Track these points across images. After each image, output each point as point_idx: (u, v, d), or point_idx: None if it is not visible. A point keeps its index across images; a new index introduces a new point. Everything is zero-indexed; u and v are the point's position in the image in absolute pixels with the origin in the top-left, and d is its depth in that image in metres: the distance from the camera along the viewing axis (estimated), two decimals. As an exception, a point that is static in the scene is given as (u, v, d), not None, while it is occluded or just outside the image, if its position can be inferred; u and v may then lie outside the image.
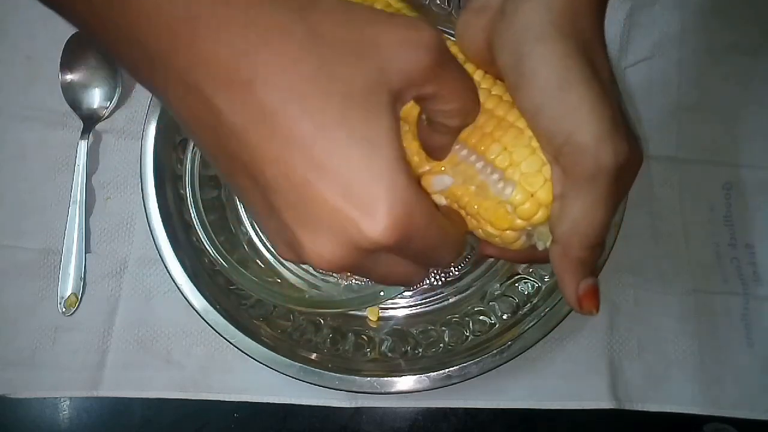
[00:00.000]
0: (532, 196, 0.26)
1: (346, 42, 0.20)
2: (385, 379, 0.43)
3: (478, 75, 0.28)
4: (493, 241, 0.29)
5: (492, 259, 0.50)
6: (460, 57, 0.29)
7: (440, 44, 0.22)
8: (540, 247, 0.28)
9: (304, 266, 0.50)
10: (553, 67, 0.24)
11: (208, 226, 0.46)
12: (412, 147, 0.28)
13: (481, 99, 0.27)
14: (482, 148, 0.27)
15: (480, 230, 0.29)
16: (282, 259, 0.24)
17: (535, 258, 0.30)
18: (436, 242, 0.23)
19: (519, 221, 0.27)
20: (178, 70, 0.20)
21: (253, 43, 0.19)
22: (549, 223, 0.27)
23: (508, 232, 0.28)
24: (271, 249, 0.51)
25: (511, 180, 0.27)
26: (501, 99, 0.28)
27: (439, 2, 0.50)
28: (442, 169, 0.28)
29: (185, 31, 0.19)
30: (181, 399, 0.49)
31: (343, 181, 0.20)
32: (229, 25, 0.19)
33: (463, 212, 0.29)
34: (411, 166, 0.27)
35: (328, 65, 0.20)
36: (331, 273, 0.25)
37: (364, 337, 0.48)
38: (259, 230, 0.25)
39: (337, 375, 0.44)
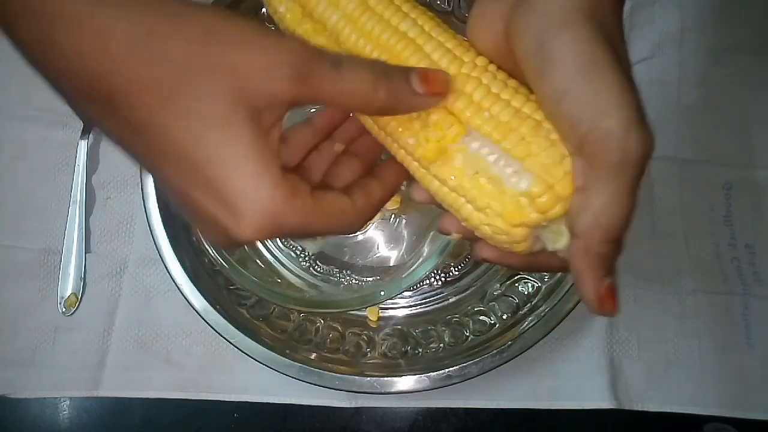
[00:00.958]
0: (550, 188, 0.25)
1: (202, 65, 0.23)
2: (385, 379, 0.43)
3: (491, 68, 0.27)
4: (498, 240, 0.27)
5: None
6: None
7: (301, 65, 0.23)
8: (549, 247, 0.27)
9: (303, 266, 0.50)
10: (579, 51, 0.24)
11: (208, 226, 0.45)
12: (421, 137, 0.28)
13: (496, 89, 0.26)
14: (497, 137, 0.26)
15: (486, 226, 0.27)
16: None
17: (534, 265, 0.29)
18: (318, 229, 0.27)
19: (534, 215, 0.26)
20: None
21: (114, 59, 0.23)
22: (568, 217, 0.26)
23: (518, 229, 0.26)
24: (271, 249, 0.51)
25: (529, 171, 0.25)
26: (516, 90, 0.27)
27: (439, 2, 0.50)
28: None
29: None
30: (181, 399, 0.49)
31: (214, 194, 0.24)
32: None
33: (469, 207, 0.27)
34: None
35: (187, 85, 0.23)
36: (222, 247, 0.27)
37: (364, 337, 0.48)
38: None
39: (337, 375, 0.44)
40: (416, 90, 0.25)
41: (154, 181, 0.28)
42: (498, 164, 0.26)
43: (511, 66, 0.27)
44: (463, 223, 0.29)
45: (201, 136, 0.23)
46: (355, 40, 0.28)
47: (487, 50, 0.28)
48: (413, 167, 0.29)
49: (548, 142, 0.25)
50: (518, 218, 0.26)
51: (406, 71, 0.26)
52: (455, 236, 0.30)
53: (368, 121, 0.30)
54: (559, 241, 0.26)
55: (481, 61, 0.27)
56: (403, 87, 0.25)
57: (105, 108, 0.24)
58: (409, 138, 0.28)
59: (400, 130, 0.28)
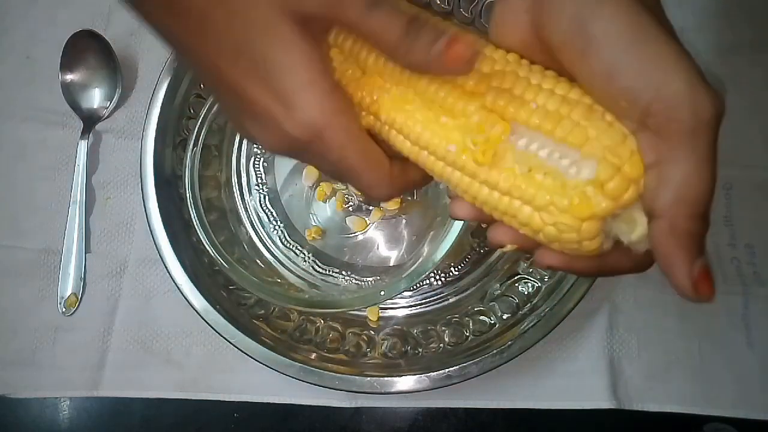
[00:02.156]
0: (618, 170, 0.23)
1: None
2: (385, 379, 0.43)
3: (525, 62, 0.26)
4: (566, 240, 0.24)
5: (494, 257, 0.50)
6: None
7: None
8: (624, 240, 0.24)
9: (303, 266, 0.50)
10: (624, 23, 0.22)
11: (208, 226, 0.46)
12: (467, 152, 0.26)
13: (536, 81, 0.25)
14: (548, 127, 0.24)
15: (550, 227, 0.24)
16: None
17: (605, 267, 0.26)
18: (351, 164, 0.27)
19: (604, 204, 0.23)
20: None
21: None
22: (643, 199, 0.23)
23: (588, 223, 0.23)
24: (271, 249, 0.51)
25: (590, 157, 0.23)
26: (557, 79, 0.25)
27: (439, 2, 0.50)
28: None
29: None
30: (181, 399, 0.49)
31: (275, 84, 0.25)
32: None
33: (527, 208, 0.25)
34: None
35: None
36: (278, 153, 0.29)
37: (364, 337, 0.48)
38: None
39: (337, 375, 0.44)
40: (441, 50, 0.24)
41: (207, 81, 0.30)
42: (553, 157, 0.24)
43: (543, 59, 0.25)
44: (520, 231, 0.26)
45: (259, 34, 0.25)
46: None
47: (513, 48, 0.26)
48: (455, 179, 0.27)
49: (605, 123, 0.23)
50: (587, 210, 0.23)
51: (437, 33, 0.24)
52: (509, 248, 0.27)
53: (399, 138, 0.28)
54: (634, 230, 0.24)
55: (512, 57, 0.26)
56: (428, 47, 0.24)
57: (163, 4, 0.26)
58: (449, 146, 0.26)
59: (437, 140, 0.26)
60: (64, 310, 0.50)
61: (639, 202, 0.23)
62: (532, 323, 0.44)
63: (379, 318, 0.49)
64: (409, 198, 0.51)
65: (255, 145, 0.53)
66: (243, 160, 0.52)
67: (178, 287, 0.45)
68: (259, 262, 0.50)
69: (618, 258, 0.25)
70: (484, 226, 0.48)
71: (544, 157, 0.24)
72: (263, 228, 0.51)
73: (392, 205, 0.50)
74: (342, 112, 0.26)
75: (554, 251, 0.26)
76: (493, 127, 0.25)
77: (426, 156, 0.27)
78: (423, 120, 0.27)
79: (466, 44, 0.24)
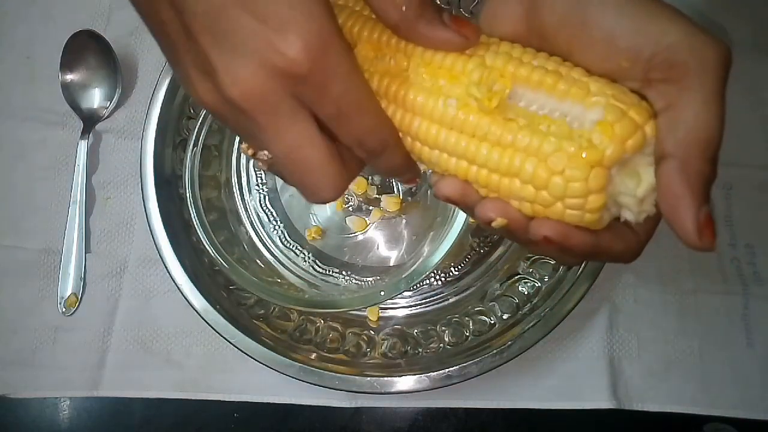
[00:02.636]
0: (625, 114, 0.22)
1: None
2: (385, 379, 0.43)
3: (517, 45, 0.25)
4: (572, 192, 0.23)
5: (494, 257, 0.50)
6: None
7: None
8: (628, 201, 0.24)
9: (303, 266, 0.50)
10: None
11: (208, 226, 0.46)
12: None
13: (530, 55, 0.25)
14: (550, 82, 0.24)
15: (557, 177, 0.23)
16: (197, 101, 0.25)
17: (597, 248, 0.25)
18: (354, 100, 0.24)
19: (612, 148, 0.22)
20: None
21: None
22: (657, 142, 0.23)
23: (595, 171, 0.23)
24: (271, 249, 0.51)
25: (596, 105, 0.23)
26: (549, 57, 0.25)
27: (439, 2, 0.50)
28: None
29: None
30: (181, 399, 0.49)
31: (261, 7, 0.21)
32: None
33: (529, 166, 0.23)
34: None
35: None
36: (244, 106, 0.23)
37: (364, 337, 0.48)
38: (175, 72, 0.25)
39: (337, 375, 0.44)
40: (445, 21, 0.24)
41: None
42: (556, 112, 0.24)
43: (544, 35, 0.26)
44: (512, 203, 0.25)
45: None
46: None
47: (508, 34, 0.26)
48: (450, 145, 0.25)
49: (606, 80, 0.24)
50: (595, 155, 0.22)
51: (440, 9, 0.25)
52: (500, 221, 0.26)
53: (389, 109, 0.26)
54: (640, 185, 0.23)
55: (505, 44, 0.26)
56: (433, 15, 0.24)
57: None
58: (448, 100, 0.25)
59: (432, 101, 0.25)
60: (64, 310, 0.50)
61: (645, 156, 0.23)
62: (532, 323, 0.44)
63: (379, 318, 0.49)
64: (409, 198, 0.51)
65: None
66: (243, 160, 0.52)
67: (178, 287, 0.45)
68: (259, 262, 0.50)
69: (611, 239, 0.25)
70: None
71: (548, 113, 0.24)
72: (263, 228, 0.51)
73: (392, 206, 0.50)
74: (341, 35, 0.23)
75: (551, 221, 0.25)
76: (494, 83, 0.24)
77: (418, 125, 0.26)
78: (418, 83, 0.25)
79: (470, 21, 0.25)
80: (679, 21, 0.23)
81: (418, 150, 0.26)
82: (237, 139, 0.53)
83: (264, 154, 0.25)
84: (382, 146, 0.26)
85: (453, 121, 0.25)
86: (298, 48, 0.21)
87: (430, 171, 0.28)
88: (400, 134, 0.26)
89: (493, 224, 0.26)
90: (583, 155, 0.23)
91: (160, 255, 0.46)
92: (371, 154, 0.26)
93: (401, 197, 0.51)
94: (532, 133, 0.23)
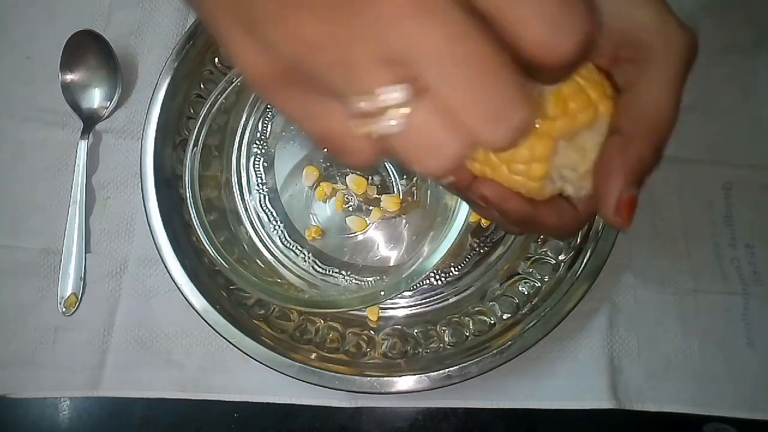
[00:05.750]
0: (581, 90, 0.23)
1: None
2: (385, 379, 0.43)
3: None
4: (518, 158, 0.23)
5: (494, 257, 0.50)
6: None
7: None
8: (571, 174, 0.24)
9: (303, 266, 0.50)
10: None
11: (208, 226, 0.46)
12: None
13: None
14: None
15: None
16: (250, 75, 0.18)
17: (532, 217, 0.25)
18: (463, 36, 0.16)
19: (561, 122, 0.22)
20: None
21: None
22: (612, 120, 0.23)
23: (541, 143, 0.23)
24: (271, 249, 0.51)
25: None
26: None
27: None
28: None
29: None
30: (181, 399, 0.49)
31: None
32: None
33: None
34: None
35: None
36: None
37: (364, 337, 0.48)
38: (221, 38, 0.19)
39: (337, 375, 0.44)
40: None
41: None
42: None
43: None
44: (466, 161, 0.25)
45: None
46: None
47: None
48: None
49: None
50: (544, 125, 0.23)
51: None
52: (448, 178, 0.25)
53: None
54: (585, 159, 0.24)
55: None
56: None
57: None
58: None
59: None
60: (64, 310, 0.50)
61: (595, 134, 0.23)
62: (532, 323, 0.44)
63: (379, 318, 0.49)
64: (409, 198, 0.51)
65: (259, 135, 0.52)
66: (243, 160, 0.52)
67: (178, 287, 0.45)
68: (259, 262, 0.50)
69: (549, 211, 0.25)
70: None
71: None
72: (263, 228, 0.51)
73: (393, 207, 0.50)
74: None
75: (492, 182, 0.25)
76: None
77: None
78: None
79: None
80: (653, 3, 0.23)
81: None
82: (237, 138, 0.53)
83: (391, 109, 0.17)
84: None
85: None
86: None
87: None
88: None
89: (442, 180, 0.26)
90: (535, 124, 0.23)
91: (160, 255, 0.46)
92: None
93: (401, 197, 0.51)
94: None
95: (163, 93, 0.49)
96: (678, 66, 0.22)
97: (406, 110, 0.16)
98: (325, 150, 0.51)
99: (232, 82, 0.47)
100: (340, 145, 0.19)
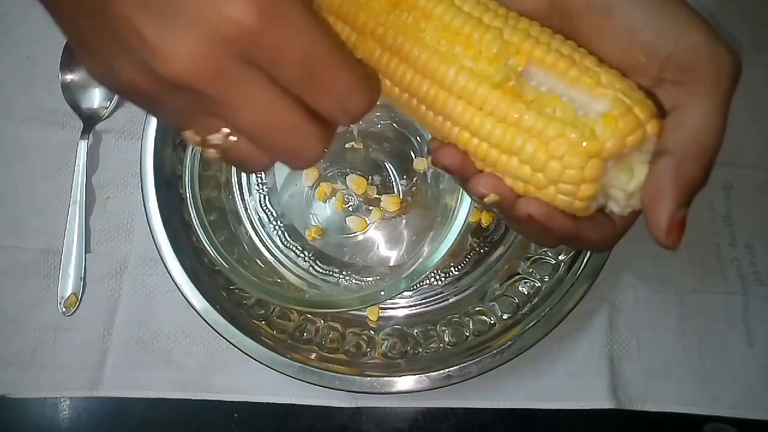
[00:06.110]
0: (630, 110, 0.23)
1: None
2: (385, 379, 0.43)
3: (536, 23, 0.25)
4: (567, 179, 0.23)
5: (494, 257, 0.50)
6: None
7: None
8: (618, 194, 0.24)
9: (303, 266, 0.50)
10: None
11: (208, 226, 0.46)
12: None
13: (547, 36, 0.25)
14: (563, 66, 0.23)
15: (555, 162, 0.23)
16: (115, 87, 0.22)
17: (576, 234, 0.26)
18: (321, 57, 0.20)
19: (612, 142, 0.22)
20: None
21: None
22: (658, 140, 0.23)
23: (593, 161, 0.23)
24: (271, 249, 0.51)
25: (604, 96, 0.23)
26: (563, 41, 0.25)
27: None
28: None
29: None
30: (181, 399, 0.49)
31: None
32: None
33: (530, 146, 0.24)
34: None
35: None
36: (192, 84, 0.20)
37: (364, 337, 0.48)
38: (81, 55, 0.22)
39: (337, 375, 0.44)
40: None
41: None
42: (563, 98, 0.24)
43: (569, 19, 0.25)
44: (507, 180, 0.25)
45: None
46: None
47: (526, 15, 0.26)
48: (456, 114, 0.25)
49: (616, 72, 0.24)
50: (594, 146, 0.23)
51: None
52: (492, 198, 0.26)
53: (399, 69, 0.25)
54: (632, 180, 0.24)
55: (524, 20, 0.25)
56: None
57: None
58: (462, 67, 0.24)
59: (445, 66, 0.24)
60: (64, 310, 0.50)
61: (642, 154, 0.24)
62: (532, 323, 0.44)
63: (379, 318, 0.49)
64: (409, 198, 0.51)
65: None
66: (243, 160, 0.52)
67: (178, 287, 0.45)
68: (259, 262, 0.50)
69: (591, 228, 0.26)
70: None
71: (558, 94, 0.24)
72: (263, 228, 0.51)
73: (393, 207, 0.50)
74: None
75: (538, 201, 0.25)
76: (509, 58, 0.24)
77: (426, 89, 0.25)
78: (433, 45, 0.24)
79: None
80: (701, 26, 0.24)
81: (422, 113, 0.26)
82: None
83: (217, 137, 0.22)
84: (369, 106, 0.23)
85: (462, 90, 0.24)
86: (244, 8, 0.19)
87: (431, 157, 0.28)
88: (406, 95, 0.26)
89: (485, 200, 0.26)
90: (584, 144, 0.23)
91: (160, 255, 0.46)
92: (356, 117, 0.23)
93: (401, 197, 0.51)
94: (538, 114, 0.23)
95: (163, 93, 0.48)
96: (726, 90, 0.23)
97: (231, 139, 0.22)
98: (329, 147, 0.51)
99: (232, 82, 0.47)
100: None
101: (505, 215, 0.27)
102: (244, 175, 0.52)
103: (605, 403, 0.48)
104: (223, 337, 0.44)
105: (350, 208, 0.51)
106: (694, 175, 0.23)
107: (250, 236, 0.51)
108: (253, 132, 0.22)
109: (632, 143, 0.23)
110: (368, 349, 0.47)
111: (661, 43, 0.23)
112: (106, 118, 0.54)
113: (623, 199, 0.24)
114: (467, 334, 0.47)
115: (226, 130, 0.22)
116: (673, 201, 0.23)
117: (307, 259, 0.51)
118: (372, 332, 0.48)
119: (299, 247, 0.51)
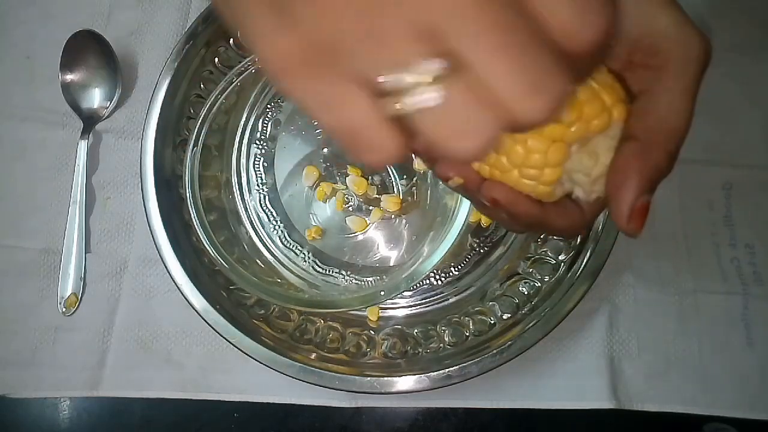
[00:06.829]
0: (596, 95, 0.22)
1: None
2: (385, 379, 0.43)
3: None
4: (531, 163, 0.23)
5: (494, 257, 0.50)
6: None
7: None
8: (583, 179, 0.24)
9: (303, 266, 0.50)
10: None
11: (208, 226, 0.46)
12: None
13: None
14: None
15: (518, 147, 0.23)
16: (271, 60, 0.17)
17: (542, 219, 0.25)
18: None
19: (575, 127, 0.22)
20: None
21: None
22: (625, 125, 0.23)
23: (555, 147, 0.23)
24: (271, 249, 0.51)
25: None
26: None
27: None
28: None
29: None
30: (181, 399, 0.49)
31: None
32: None
33: None
34: None
35: None
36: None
37: (364, 337, 0.48)
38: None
39: (337, 375, 0.44)
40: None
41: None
42: None
43: None
44: (474, 164, 0.25)
45: None
46: None
47: None
48: None
49: None
50: (558, 130, 0.22)
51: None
52: (456, 180, 0.26)
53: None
54: (597, 164, 0.23)
55: None
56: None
57: None
58: None
59: None
60: (64, 310, 0.50)
61: (607, 139, 0.23)
62: (532, 323, 0.44)
63: (379, 318, 0.49)
64: (409, 198, 0.51)
65: (259, 135, 0.52)
66: (243, 160, 0.52)
67: (178, 287, 0.45)
68: (259, 262, 0.50)
69: (557, 213, 0.25)
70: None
71: None
72: (263, 228, 0.51)
73: (393, 207, 0.50)
74: None
75: (502, 185, 0.25)
76: None
77: None
78: None
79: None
80: (671, 9, 0.23)
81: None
82: (237, 138, 0.53)
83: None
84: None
85: None
86: None
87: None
88: None
89: (450, 182, 0.26)
90: (547, 130, 0.23)
91: (160, 255, 0.46)
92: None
93: (401, 197, 0.51)
94: None
95: (163, 93, 0.49)
96: (694, 74, 0.23)
97: (438, 86, 0.16)
98: (329, 147, 0.51)
99: (232, 82, 0.48)
100: (360, 137, 0.17)
101: (472, 199, 0.27)
102: (244, 175, 0.52)
103: (605, 403, 0.48)
104: (223, 337, 0.44)
105: (350, 208, 0.51)
106: (659, 162, 0.23)
107: (250, 236, 0.51)
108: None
109: (597, 128, 0.23)
110: (368, 349, 0.47)
111: (630, 25, 0.23)
112: (106, 118, 0.54)
113: (588, 185, 0.24)
114: (467, 334, 0.47)
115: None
116: (636, 187, 0.23)
117: (307, 259, 0.51)
118: (372, 332, 0.48)
119: (299, 247, 0.51)
